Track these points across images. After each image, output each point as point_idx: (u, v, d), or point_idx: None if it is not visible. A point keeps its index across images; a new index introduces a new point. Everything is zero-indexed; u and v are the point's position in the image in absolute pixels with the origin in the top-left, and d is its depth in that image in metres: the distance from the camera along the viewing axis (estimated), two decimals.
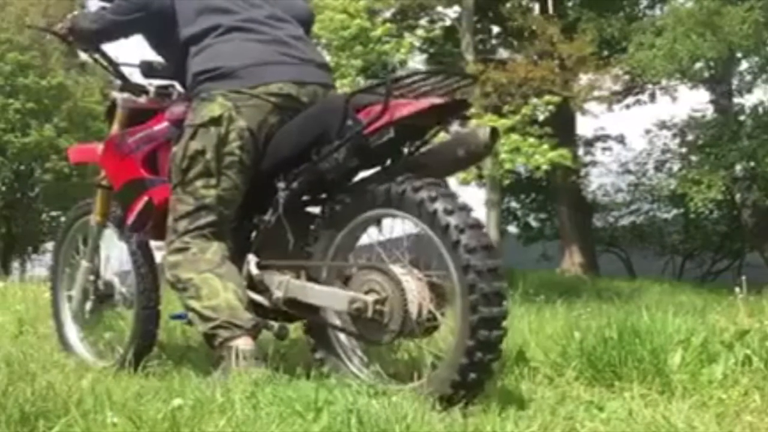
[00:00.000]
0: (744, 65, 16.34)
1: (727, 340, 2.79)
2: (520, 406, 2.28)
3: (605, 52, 15.50)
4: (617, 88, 15.79)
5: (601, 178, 20.04)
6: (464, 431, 1.97)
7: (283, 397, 2.05)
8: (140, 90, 3.01)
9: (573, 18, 15.38)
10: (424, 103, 2.33)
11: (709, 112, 17.71)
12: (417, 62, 15.39)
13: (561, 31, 14.37)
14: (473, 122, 10.01)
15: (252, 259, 2.64)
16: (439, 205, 2.22)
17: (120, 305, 3.14)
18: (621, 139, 19.61)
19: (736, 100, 17.21)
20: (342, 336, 2.52)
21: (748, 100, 16.89)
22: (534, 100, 12.91)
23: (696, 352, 2.72)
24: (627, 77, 15.51)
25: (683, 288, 14.02)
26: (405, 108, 2.32)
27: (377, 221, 2.48)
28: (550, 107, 12.85)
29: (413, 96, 2.37)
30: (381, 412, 1.90)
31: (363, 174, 2.54)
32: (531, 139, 12.30)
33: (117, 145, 2.92)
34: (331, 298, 2.45)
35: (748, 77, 16.77)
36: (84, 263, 3.16)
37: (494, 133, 2.43)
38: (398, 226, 2.45)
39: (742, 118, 16.56)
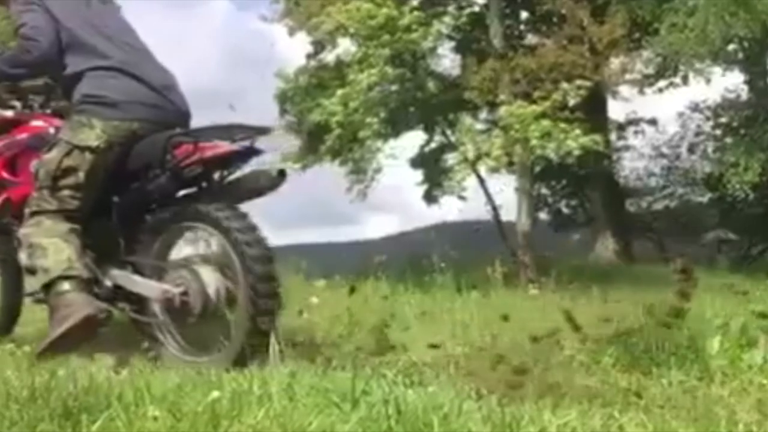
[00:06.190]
0: None
1: (766, 325, 2.76)
2: (557, 395, 2.27)
3: (636, 35, 15.27)
4: (649, 71, 15.56)
5: (633, 163, 19.73)
6: (501, 420, 1.97)
7: (320, 388, 2.07)
8: (7, 105, 3.59)
9: (603, 1, 15.18)
10: (225, 147, 3.11)
11: (744, 92, 17.42)
12: (446, 49, 15.31)
13: (591, 14, 14.17)
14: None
15: (90, 254, 3.22)
16: (231, 222, 2.97)
17: None
18: (653, 123, 19.34)
19: None
20: (160, 321, 3.11)
21: None
22: (564, 85, 12.76)
23: (735, 338, 2.69)
24: (659, 59, 15.25)
25: (719, 272, 13.83)
26: (210, 150, 3.10)
27: (189, 230, 3.17)
28: (581, 92, 12.70)
29: (219, 140, 3.12)
30: (418, 402, 1.91)
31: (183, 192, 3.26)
32: (562, 125, 12.19)
33: None
34: (148, 289, 3.13)
35: None
36: None
37: (281, 173, 3.17)
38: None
39: None
